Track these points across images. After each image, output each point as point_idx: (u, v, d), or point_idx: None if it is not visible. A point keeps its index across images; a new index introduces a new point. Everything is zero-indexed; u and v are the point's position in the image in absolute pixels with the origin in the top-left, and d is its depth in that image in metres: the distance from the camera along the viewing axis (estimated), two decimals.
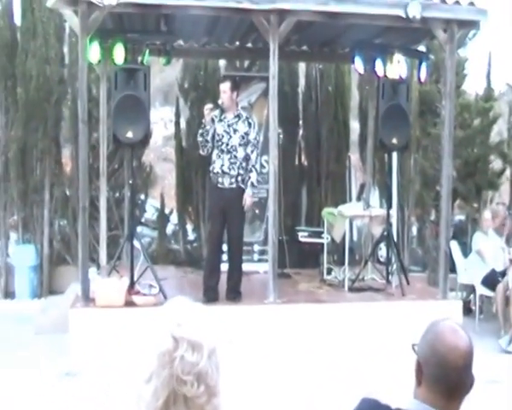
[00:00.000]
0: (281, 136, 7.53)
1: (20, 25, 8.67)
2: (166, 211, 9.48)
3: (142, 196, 9.21)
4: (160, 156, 14.59)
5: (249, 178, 6.27)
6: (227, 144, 6.26)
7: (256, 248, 8.20)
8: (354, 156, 9.95)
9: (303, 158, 9.59)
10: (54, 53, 8.57)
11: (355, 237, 8.54)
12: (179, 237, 9.18)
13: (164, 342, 1.86)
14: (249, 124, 6.34)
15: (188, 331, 1.86)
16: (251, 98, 8.40)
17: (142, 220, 9.30)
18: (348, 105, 9.80)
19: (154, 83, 19.46)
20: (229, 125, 6.28)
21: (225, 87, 6.28)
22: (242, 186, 6.30)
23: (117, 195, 8.69)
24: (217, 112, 6.34)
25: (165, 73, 16.05)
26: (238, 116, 6.36)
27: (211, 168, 6.34)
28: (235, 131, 6.29)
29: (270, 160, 6.47)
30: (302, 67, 10.03)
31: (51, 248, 8.52)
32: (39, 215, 8.48)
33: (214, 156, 6.29)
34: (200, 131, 6.29)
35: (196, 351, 1.83)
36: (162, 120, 16.40)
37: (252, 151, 6.31)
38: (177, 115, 9.59)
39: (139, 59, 6.79)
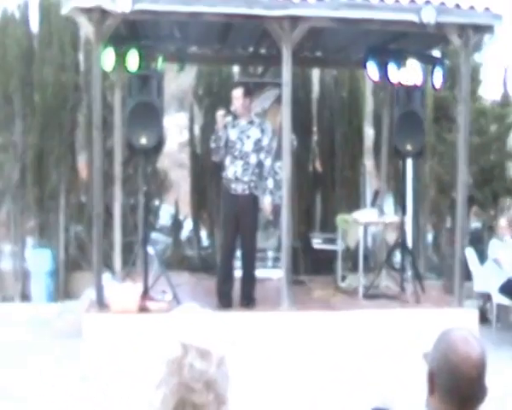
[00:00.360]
0: (295, 142, 7.51)
1: (38, 33, 8.75)
2: (181, 217, 9.50)
3: (157, 203, 9.24)
4: (176, 162, 14.59)
5: (266, 186, 6.25)
6: (240, 151, 6.26)
7: (270, 254, 8.20)
8: (369, 163, 9.91)
9: (317, 164, 9.58)
10: (69, 60, 8.64)
11: (370, 244, 8.48)
12: (193, 243, 9.20)
13: (173, 350, 1.85)
14: (262, 130, 6.34)
15: (196, 339, 1.86)
16: (264, 105, 8.41)
17: (157, 227, 9.30)
18: (362, 111, 9.77)
19: (170, 89, 19.59)
20: (242, 132, 6.28)
21: (238, 94, 6.29)
22: (255, 193, 6.29)
23: (132, 201, 8.71)
24: (230, 118, 6.34)
25: (180, 80, 16.09)
26: (251, 122, 6.36)
27: (224, 174, 6.34)
28: (248, 137, 6.28)
29: (283, 166, 6.44)
30: (316, 73, 10.03)
31: (67, 254, 8.57)
32: (55, 221, 8.53)
33: (227, 162, 6.29)
34: (213, 137, 6.29)
35: (205, 359, 1.83)
36: (177, 127, 16.43)
37: (265, 157, 6.30)
38: (191, 122, 9.62)
39: (153, 66, 6.79)
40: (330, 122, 9.60)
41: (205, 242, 9.23)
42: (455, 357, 1.85)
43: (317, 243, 7.98)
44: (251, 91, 6.52)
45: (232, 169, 6.24)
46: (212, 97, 9.33)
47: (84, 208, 8.47)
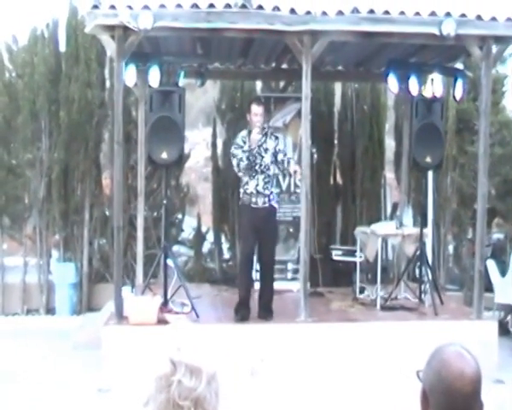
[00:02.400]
0: (315, 155, 7.46)
1: (65, 51, 8.88)
2: (203, 230, 9.52)
3: (180, 216, 9.27)
4: (202, 176, 14.71)
5: (288, 162, 6.31)
6: (260, 164, 6.24)
7: (290, 266, 8.16)
8: (390, 175, 9.83)
9: (338, 177, 9.55)
10: (95, 77, 8.76)
11: (390, 256, 8.37)
12: (215, 255, 9.22)
13: (162, 366, 1.82)
14: (276, 138, 6.37)
15: (187, 356, 1.82)
16: (286, 118, 8.39)
17: (180, 239, 9.34)
18: (383, 124, 9.71)
19: (198, 104, 19.84)
20: (259, 146, 6.26)
21: (261, 110, 6.26)
22: (275, 205, 6.30)
23: (155, 214, 8.78)
24: (244, 133, 6.33)
25: (208, 94, 16.24)
26: (265, 134, 6.35)
27: (243, 189, 6.30)
28: (265, 150, 6.27)
29: (302, 179, 6.40)
30: (338, 86, 10.02)
31: (90, 267, 8.65)
32: (79, 235, 8.63)
33: (247, 177, 6.25)
34: (243, 155, 6.21)
35: (195, 376, 1.80)
36: (204, 141, 16.55)
37: (285, 154, 6.31)
38: (214, 136, 9.67)
39: (174, 81, 6.83)
40: (351, 135, 9.57)
41: (226, 254, 9.26)
42: (449, 374, 1.78)
43: (337, 254, 7.88)
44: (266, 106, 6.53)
45: (253, 183, 6.21)
46: (235, 112, 9.38)
47: (108, 222, 8.55)
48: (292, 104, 8.34)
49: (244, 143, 6.25)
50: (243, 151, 6.19)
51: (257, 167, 6.23)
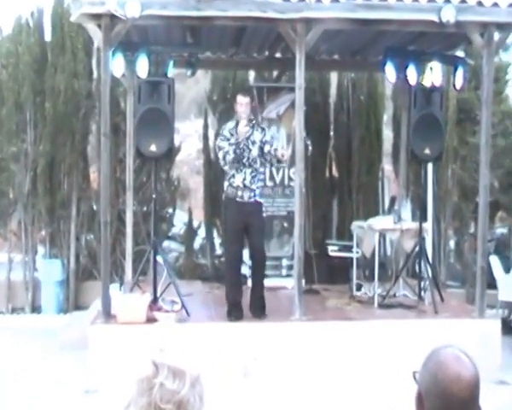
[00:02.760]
0: (310, 147, 7.45)
1: (50, 40, 8.83)
2: (195, 225, 9.53)
3: (170, 210, 9.27)
4: (194, 169, 14.67)
5: (276, 150, 6.30)
6: (248, 158, 6.23)
7: (284, 262, 8.15)
8: (388, 168, 9.81)
9: (334, 169, 9.54)
10: (82, 67, 8.73)
11: (388, 252, 8.37)
12: (206, 251, 9.22)
13: (144, 369, 1.81)
14: (262, 129, 6.37)
15: (170, 357, 1.80)
16: (280, 109, 8.38)
17: (170, 234, 9.34)
18: (381, 115, 9.70)
19: (189, 94, 19.80)
20: (247, 138, 6.25)
21: (246, 101, 6.25)
22: (260, 200, 6.29)
23: (144, 209, 8.76)
24: (231, 124, 6.31)
25: (200, 85, 16.20)
26: (252, 126, 6.33)
27: (229, 182, 6.29)
28: (253, 143, 6.26)
29: (296, 172, 6.39)
30: (334, 76, 10.01)
31: (78, 263, 8.64)
32: (66, 230, 8.61)
33: (233, 170, 6.24)
34: (230, 148, 6.20)
35: (178, 378, 1.78)
36: (196, 133, 16.49)
37: (271, 145, 6.29)
38: (206, 128, 9.66)
39: (163, 71, 6.80)
40: (348, 126, 9.57)
41: (218, 250, 9.26)
42: (445, 377, 1.77)
43: (333, 250, 7.88)
44: (253, 96, 6.50)
45: (240, 177, 6.21)
46: (227, 103, 9.31)
47: (96, 217, 8.51)
48: (286, 95, 8.32)
49: (231, 135, 6.25)
50: (230, 144, 6.19)
51: (244, 161, 6.22)
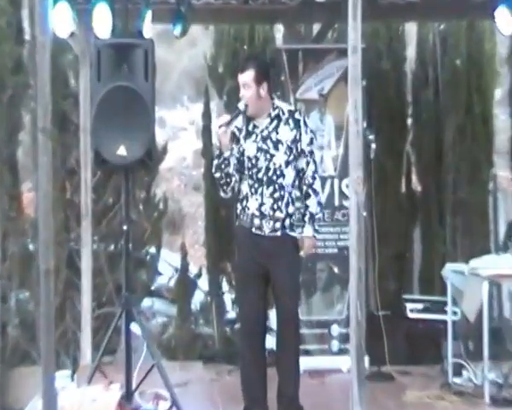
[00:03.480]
0: (373, 145, 7.43)
1: None
2: (192, 272, 9.62)
3: (153, 250, 9.29)
4: (189, 183, 14.73)
5: (306, 207, 6.26)
6: (267, 169, 6.17)
7: (335, 331, 8.16)
8: (502, 173, 9.86)
9: (414, 180, 9.62)
10: (5, 23, 8.83)
11: (506, 312, 8.32)
12: (211, 314, 9.25)
13: None
14: (296, 122, 6.27)
15: None
16: (324, 86, 8.39)
17: (153, 288, 9.45)
18: (491, 90, 9.81)
19: (180, 66, 19.93)
20: (264, 138, 6.21)
21: (247, 78, 6.21)
22: (293, 234, 6.21)
23: (111, 248, 8.84)
24: (239, 121, 6.26)
25: (196, 50, 16.27)
26: (277, 117, 6.28)
27: (241, 207, 6.26)
28: (276, 143, 6.20)
29: (350, 185, 6.35)
30: (412, 28, 10.09)
31: (4, 337, 8.61)
32: None
33: (246, 189, 6.21)
34: (216, 161, 6.22)
35: None
36: (193, 125, 16.59)
37: (307, 163, 6.25)
38: (207, 117, 9.78)
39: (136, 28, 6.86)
40: (435, 109, 9.64)
41: (229, 311, 9.39)
42: None
43: (415, 310, 7.94)
44: (267, 70, 6.42)
45: (256, 200, 6.16)
46: None
47: (33, 262, 8.54)
48: (333, 62, 8.36)
49: (236, 140, 6.24)
50: (217, 156, 6.23)
51: (260, 174, 6.18)
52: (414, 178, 9.62)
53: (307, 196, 6.32)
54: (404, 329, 7.97)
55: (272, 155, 6.22)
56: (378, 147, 7.89)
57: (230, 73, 9.51)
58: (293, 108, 6.61)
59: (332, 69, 8.35)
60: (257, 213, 6.21)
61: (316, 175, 6.39)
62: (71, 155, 8.67)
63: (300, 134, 6.26)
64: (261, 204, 6.20)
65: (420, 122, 9.67)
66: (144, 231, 9.13)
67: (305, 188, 6.32)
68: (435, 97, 9.63)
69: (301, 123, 6.31)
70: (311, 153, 6.36)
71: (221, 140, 6.19)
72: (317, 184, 6.39)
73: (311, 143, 6.33)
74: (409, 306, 7.98)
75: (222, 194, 6.40)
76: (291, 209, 6.27)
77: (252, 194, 6.24)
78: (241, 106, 6.24)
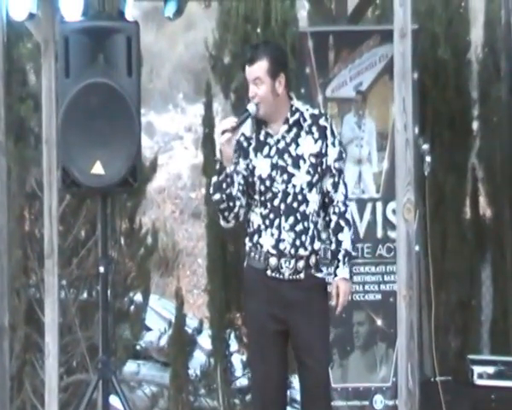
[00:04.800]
0: (428, 158, 7.45)
1: None
2: (190, 326, 9.68)
3: (138, 297, 9.36)
4: (187, 208, 14.78)
5: (339, 242, 6.20)
6: (285, 193, 6.13)
7: (379, 402, 8.19)
8: None
9: (482, 203, 9.67)
10: None
11: None
12: (215, 381, 9.25)
13: None
14: (322, 131, 6.20)
15: None
16: (362, 80, 8.46)
17: (138, 347, 9.47)
18: None
19: (173, 57, 20.04)
20: (281, 152, 6.17)
21: (259, 71, 6.18)
22: (320, 275, 6.21)
23: (84, 295, 8.86)
24: (247, 128, 6.24)
25: (195, 34, 16.37)
26: (296, 123, 6.25)
27: (251, 243, 6.23)
28: (297, 159, 6.18)
29: (398, 210, 6.41)
30: (477, 5, 10.23)
31: None
32: None
33: (257, 220, 6.18)
34: (215, 179, 6.17)
35: None
36: (190, 132, 16.64)
37: (335, 185, 6.20)
38: (209, 123, 9.80)
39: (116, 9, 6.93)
40: (510, 109, 9.63)
41: (239, 376, 9.41)
42: None
43: (484, 374, 7.90)
44: (285, 63, 6.40)
45: (270, 234, 6.14)
46: None
47: None
48: (374, 49, 8.43)
49: (248, 142, 6.20)
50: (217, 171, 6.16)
51: (276, 201, 6.16)
52: (482, 200, 9.65)
53: (339, 228, 6.18)
54: (470, 400, 7.89)
55: (291, 175, 6.14)
56: (434, 160, 7.94)
57: (239, 64, 9.56)
58: (317, 111, 6.36)
59: (373, 58, 8.41)
60: (273, 252, 6.17)
61: (347, 201, 6.30)
62: (30, 175, 8.68)
63: (327, 146, 6.19)
64: (278, 240, 6.12)
65: (489, 127, 9.70)
66: (127, 274, 9.18)
67: (335, 218, 6.18)
68: (509, 93, 9.60)
69: (328, 132, 6.21)
70: (341, 172, 6.28)
71: (223, 151, 6.11)
72: (350, 214, 6.32)
73: (339, 158, 6.20)
74: (476, 369, 7.91)
75: (222, 222, 6.29)
76: (317, 245, 6.18)
77: (266, 227, 6.13)
78: (250, 108, 6.21)
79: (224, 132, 5.97)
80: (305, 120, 6.15)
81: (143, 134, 7.02)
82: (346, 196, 6.26)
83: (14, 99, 8.35)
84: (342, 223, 6.18)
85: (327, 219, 6.23)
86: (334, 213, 6.20)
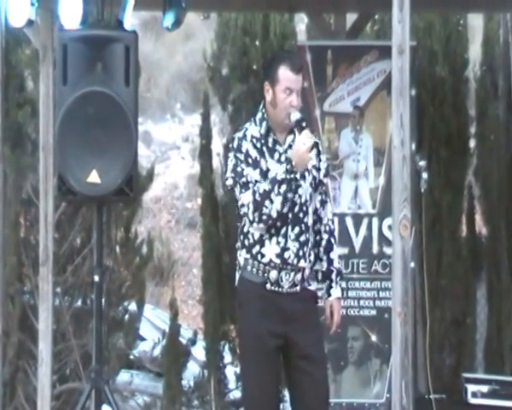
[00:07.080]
0: (424, 175, 7.42)
1: None
2: (184, 336, 9.65)
3: (132, 307, 9.36)
4: (183, 218, 14.77)
5: (330, 261, 6.22)
6: (292, 203, 6.08)
7: None
8: None
9: (478, 220, 9.67)
10: None
11: None
12: (209, 391, 9.24)
13: None
14: (316, 145, 6.19)
15: None
16: (360, 95, 8.47)
17: (132, 357, 9.45)
18: None
19: (172, 67, 20.07)
20: (289, 161, 6.14)
21: (300, 81, 6.14)
22: (311, 288, 6.20)
23: (78, 304, 8.84)
24: (255, 131, 6.17)
25: (194, 45, 16.39)
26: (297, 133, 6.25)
27: (249, 255, 6.15)
28: (303, 170, 6.15)
29: (394, 226, 6.39)
30: (476, 21, 10.33)
31: None
32: None
33: (258, 230, 6.13)
34: (290, 195, 6.09)
35: None
36: (188, 143, 16.64)
37: (323, 202, 6.24)
38: (206, 134, 9.78)
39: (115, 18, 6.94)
40: (507, 127, 9.72)
41: (233, 389, 9.37)
42: None
43: (478, 393, 7.86)
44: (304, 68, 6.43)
45: (275, 242, 6.09)
46: (251, 81, 9.53)
47: None
48: (372, 64, 8.44)
49: (261, 151, 6.13)
50: (261, 172, 6.07)
51: (285, 209, 6.12)
52: (478, 217, 9.66)
53: (330, 246, 6.26)
54: None
55: (298, 186, 6.18)
56: (431, 177, 7.92)
57: (240, 74, 9.61)
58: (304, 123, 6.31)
59: (371, 74, 8.42)
60: (276, 261, 6.10)
61: (333, 218, 6.41)
62: (27, 181, 8.66)
63: (320, 161, 6.22)
64: (284, 249, 6.10)
65: (486, 145, 9.70)
66: (122, 283, 9.18)
67: (326, 236, 6.25)
68: (507, 112, 9.68)
69: (320, 146, 6.28)
70: (327, 188, 6.37)
71: (309, 158, 6.03)
72: (335, 232, 6.41)
73: (327, 173, 6.34)
74: (470, 388, 7.89)
75: (261, 225, 6.19)
76: (312, 258, 6.25)
77: (271, 235, 6.12)
78: (294, 117, 5.98)
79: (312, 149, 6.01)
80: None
81: (140, 143, 7.04)
82: (332, 214, 6.39)
83: (11, 105, 8.32)
84: (332, 241, 6.31)
85: (317, 237, 6.27)
86: (326, 231, 6.29)
